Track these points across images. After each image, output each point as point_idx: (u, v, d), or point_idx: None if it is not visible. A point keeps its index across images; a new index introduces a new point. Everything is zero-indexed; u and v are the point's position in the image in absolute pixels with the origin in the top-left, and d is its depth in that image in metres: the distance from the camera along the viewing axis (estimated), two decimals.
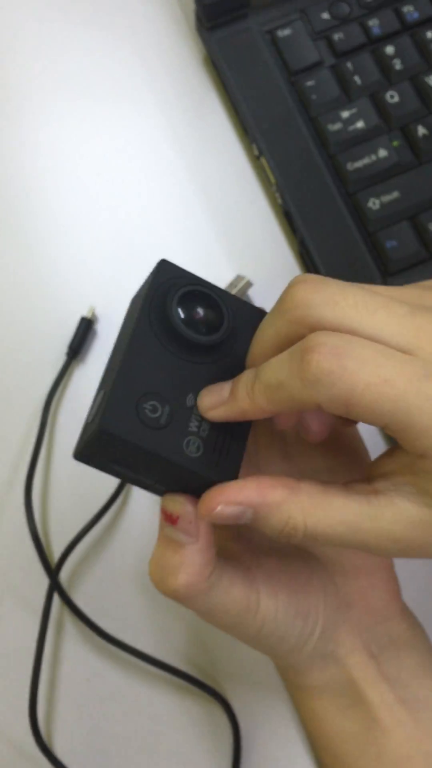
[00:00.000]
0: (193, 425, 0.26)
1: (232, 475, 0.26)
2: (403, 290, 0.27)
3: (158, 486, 0.27)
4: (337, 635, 0.31)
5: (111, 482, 0.39)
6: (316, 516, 0.25)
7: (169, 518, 0.27)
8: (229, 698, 0.37)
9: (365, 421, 0.24)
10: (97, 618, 0.38)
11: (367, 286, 0.26)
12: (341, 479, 0.31)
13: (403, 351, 0.24)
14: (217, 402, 0.26)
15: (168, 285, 0.28)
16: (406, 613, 0.34)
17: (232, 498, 0.25)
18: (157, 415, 0.26)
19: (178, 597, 0.28)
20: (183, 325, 0.27)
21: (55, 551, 0.39)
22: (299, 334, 0.25)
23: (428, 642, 0.34)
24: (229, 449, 0.27)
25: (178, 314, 0.27)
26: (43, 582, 0.38)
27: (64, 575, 0.39)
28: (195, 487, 0.26)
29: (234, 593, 0.29)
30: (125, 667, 0.38)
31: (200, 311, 0.28)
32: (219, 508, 0.25)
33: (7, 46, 0.46)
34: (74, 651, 0.38)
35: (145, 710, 0.37)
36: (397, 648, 0.33)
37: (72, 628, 0.38)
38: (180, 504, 0.27)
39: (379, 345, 0.24)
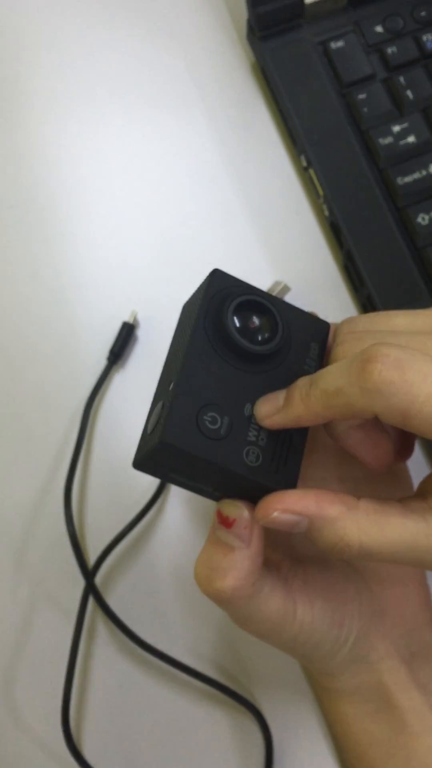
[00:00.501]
0: (251, 435, 0.28)
1: (291, 483, 0.28)
2: None
3: (216, 493, 0.29)
4: (371, 641, 0.33)
5: (148, 488, 0.41)
6: (372, 535, 0.26)
7: (224, 521, 0.28)
8: (262, 709, 0.38)
9: (421, 434, 0.26)
10: (130, 623, 0.39)
11: (413, 315, 0.29)
12: (380, 489, 0.33)
13: None
14: (273, 410, 0.28)
15: (223, 294, 0.29)
16: None
17: (290, 506, 0.27)
18: (217, 426, 0.27)
19: (221, 599, 0.29)
20: (239, 335, 0.28)
21: (91, 555, 0.41)
22: None
23: None
24: (287, 458, 0.28)
25: (234, 324, 0.29)
26: (78, 585, 0.40)
27: (98, 579, 0.40)
28: (253, 495, 0.28)
29: (273, 602, 0.30)
30: (157, 673, 0.39)
31: (256, 320, 0.29)
32: (275, 514, 0.27)
33: (52, 51, 0.48)
34: (107, 655, 0.40)
35: (176, 718, 0.39)
36: (427, 655, 0.34)
37: (105, 632, 0.40)
38: (237, 509, 0.28)
39: None
